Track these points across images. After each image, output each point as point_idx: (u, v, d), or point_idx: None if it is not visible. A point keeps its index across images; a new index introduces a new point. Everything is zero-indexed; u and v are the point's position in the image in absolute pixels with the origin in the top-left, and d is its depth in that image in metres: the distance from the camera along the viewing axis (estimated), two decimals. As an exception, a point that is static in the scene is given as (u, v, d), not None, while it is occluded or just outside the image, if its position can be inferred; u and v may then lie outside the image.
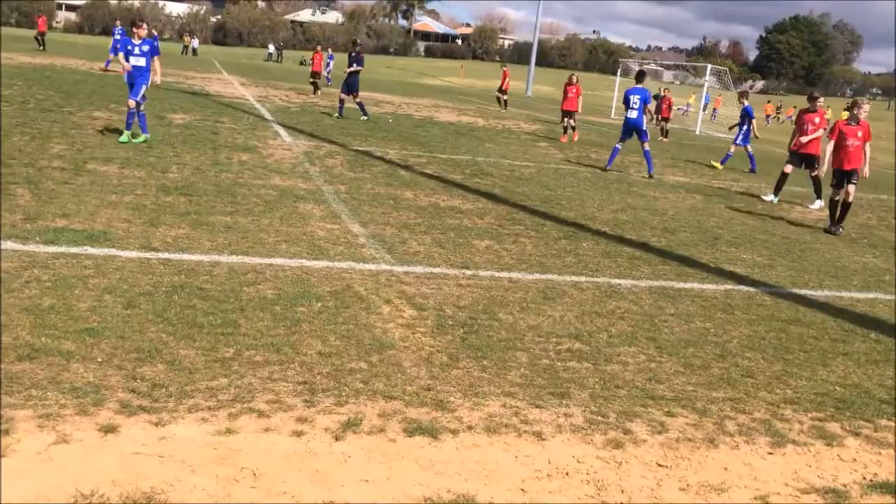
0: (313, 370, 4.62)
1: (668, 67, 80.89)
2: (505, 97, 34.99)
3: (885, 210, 15.91)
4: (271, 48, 78.98)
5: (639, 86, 16.47)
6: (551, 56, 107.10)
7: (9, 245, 6.20)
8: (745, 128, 21.10)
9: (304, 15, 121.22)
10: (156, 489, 3.20)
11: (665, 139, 28.61)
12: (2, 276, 5.44)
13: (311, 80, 30.69)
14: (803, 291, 8.03)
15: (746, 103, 21.39)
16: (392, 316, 5.77)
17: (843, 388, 5.39)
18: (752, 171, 20.48)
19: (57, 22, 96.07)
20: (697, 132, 38.46)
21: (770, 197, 14.98)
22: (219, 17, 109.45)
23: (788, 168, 15.14)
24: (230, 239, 7.29)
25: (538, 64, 69.26)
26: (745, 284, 8.05)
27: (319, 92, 29.98)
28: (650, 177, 16.22)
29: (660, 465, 4.00)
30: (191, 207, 8.36)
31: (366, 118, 21.15)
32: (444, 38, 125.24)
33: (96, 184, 8.96)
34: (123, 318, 5.00)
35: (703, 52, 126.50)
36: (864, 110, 12.27)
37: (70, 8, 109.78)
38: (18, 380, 3.99)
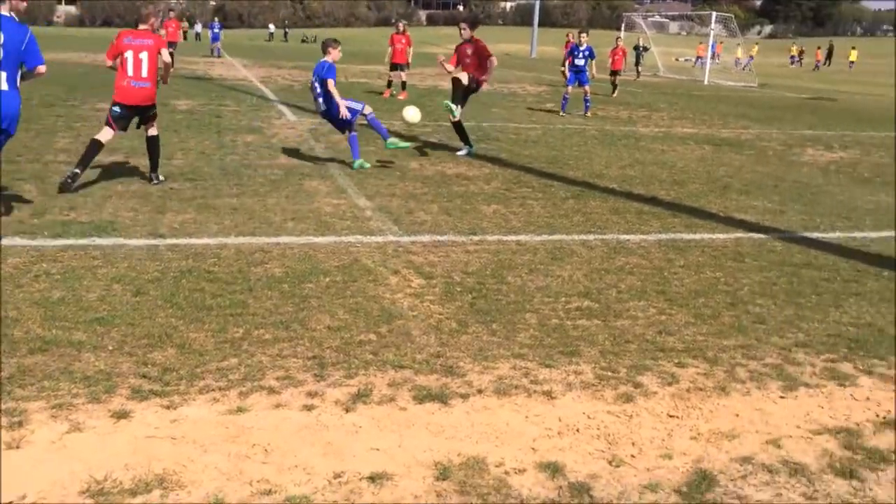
0: (322, 345, 4.64)
1: (672, 18, 79.78)
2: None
3: (898, 147, 15.69)
4: (271, 27, 78.60)
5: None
6: (554, 16, 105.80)
7: (17, 241, 6.25)
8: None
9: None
10: (168, 470, 3.24)
11: (613, 94, 24.98)
12: (1, 275, 5.48)
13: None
14: (815, 235, 7.97)
15: (586, 44, 18.95)
16: (400, 286, 5.79)
17: (856, 328, 5.36)
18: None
19: (57, 16, 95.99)
20: (706, 82, 38.03)
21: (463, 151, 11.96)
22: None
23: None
24: (237, 220, 7.31)
25: (541, 24, 68.63)
26: (756, 231, 8.00)
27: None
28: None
29: (671, 416, 4.01)
30: (196, 192, 8.39)
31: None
32: (446, 5, 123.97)
33: (103, 175, 8.99)
34: (133, 306, 5.04)
35: (709, 0, 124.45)
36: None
37: (69, 1, 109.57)
38: (31, 372, 4.03)
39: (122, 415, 3.68)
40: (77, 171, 8.13)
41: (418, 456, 3.51)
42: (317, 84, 10.41)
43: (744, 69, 44.99)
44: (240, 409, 3.81)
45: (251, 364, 4.32)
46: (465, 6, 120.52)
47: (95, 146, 8.36)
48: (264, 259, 6.21)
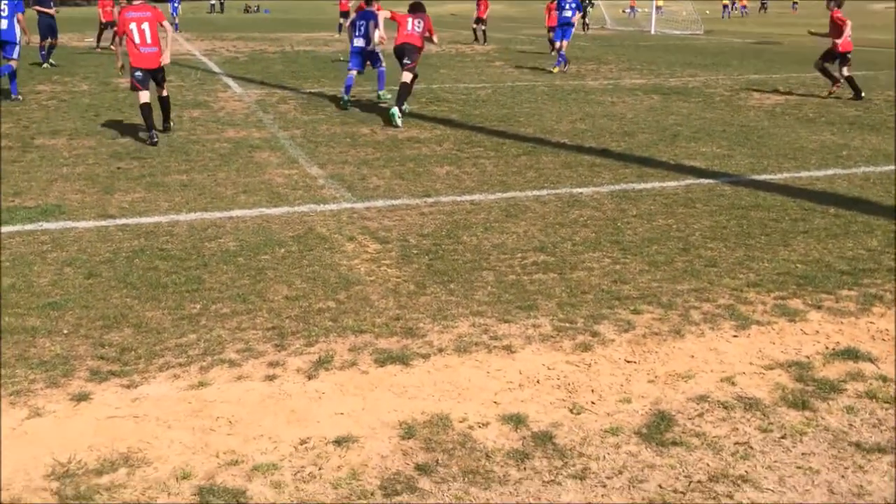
0: (281, 315, 4.64)
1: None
2: (483, 27, 29.16)
3: (841, 87, 15.92)
4: (213, -1, 76.69)
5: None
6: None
7: (-38, 231, 6.12)
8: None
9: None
10: (133, 448, 3.24)
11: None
12: (1, 261, 5.39)
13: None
14: (763, 177, 8.11)
15: None
16: (356, 252, 5.79)
17: (805, 265, 5.49)
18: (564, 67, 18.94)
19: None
20: (653, 32, 38.15)
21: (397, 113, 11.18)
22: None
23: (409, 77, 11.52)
24: (187, 197, 7.22)
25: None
26: (706, 177, 8.11)
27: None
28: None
29: (628, 362, 4.09)
30: (144, 171, 8.25)
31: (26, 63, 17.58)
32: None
33: (46, 158, 8.80)
34: (86, 288, 4.98)
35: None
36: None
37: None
38: (-15, 362, 3.98)
39: (81, 397, 3.66)
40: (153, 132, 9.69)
41: (383, 417, 3.54)
42: (363, 30, 12.38)
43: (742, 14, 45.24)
44: (201, 384, 3.81)
45: (210, 338, 4.30)
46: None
47: (144, 108, 9.73)
48: (218, 234, 6.16)
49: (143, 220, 6.51)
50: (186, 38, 32.03)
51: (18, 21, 12.95)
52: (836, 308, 4.76)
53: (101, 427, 3.42)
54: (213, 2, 74.69)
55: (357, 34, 12.61)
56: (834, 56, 14.05)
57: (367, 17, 12.54)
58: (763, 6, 61.25)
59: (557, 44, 18.93)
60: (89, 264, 5.42)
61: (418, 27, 11.69)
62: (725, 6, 60.07)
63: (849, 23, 13.71)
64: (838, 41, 13.83)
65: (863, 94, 13.91)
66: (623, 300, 4.88)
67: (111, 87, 15.14)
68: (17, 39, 13.05)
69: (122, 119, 11.43)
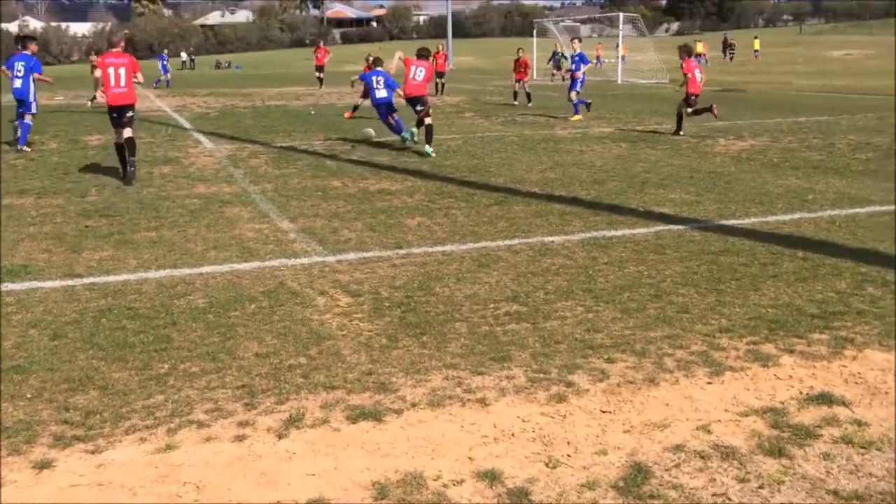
0: (251, 373, 4.56)
1: (583, 22, 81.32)
2: (442, 80, 30.05)
3: (804, 132, 16.28)
4: (184, 56, 77.20)
5: (23, 52, 13.50)
6: (467, 26, 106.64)
7: (-77, 294, 5.99)
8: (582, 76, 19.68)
9: (214, 18, 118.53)
10: (96, 517, 3.14)
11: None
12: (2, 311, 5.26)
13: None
14: (731, 222, 8.20)
15: (579, 49, 19.98)
16: (328, 306, 5.73)
17: (775, 308, 5.52)
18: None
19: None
20: (619, 81, 38.85)
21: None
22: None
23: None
24: (156, 254, 7.14)
25: (455, 36, 69.16)
26: (675, 223, 8.18)
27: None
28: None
29: (603, 412, 4.05)
30: (113, 228, 8.17)
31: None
32: (359, 22, 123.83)
33: (13, 218, 8.70)
34: (51, 350, 4.88)
35: (616, 1, 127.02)
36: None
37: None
38: (-56, 430, 3.86)
39: (44, 464, 3.54)
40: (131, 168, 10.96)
41: (355, 477, 3.47)
42: (383, 84, 14.57)
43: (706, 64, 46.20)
44: (168, 447, 3.71)
45: (178, 399, 4.21)
46: (378, 23, 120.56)
47: (117, 147, 11.14)
48: (187, 291, 6.08)
49: (111, 278, 6.42)
50: (157, 94, 32.09)
51: (34, 79, 13.94)
52: (808, 352, 4.77)
53: (63, 496, 3.31)
54: (184, 59, 75.09)
55: (376, 87, 14.70)
56: (688, 98, 15.78)
57: (379, 74, 14.67)
58: (731, 56, 62.36)
59: (570, 90, 19.91)
60: (55, 325, 5.32)
61: (419, 75, 13.40)
62: (699, 55, 60.97)
63: (696, 70, 15.85)
64: (690, 85, 15.65)
65: (682, 133, 15.83)
66: (597, 349, 4.86)
67: (80, 145, 15.08)
68: (33, 98, 13.99)
69: (91, 176, 11.36)
